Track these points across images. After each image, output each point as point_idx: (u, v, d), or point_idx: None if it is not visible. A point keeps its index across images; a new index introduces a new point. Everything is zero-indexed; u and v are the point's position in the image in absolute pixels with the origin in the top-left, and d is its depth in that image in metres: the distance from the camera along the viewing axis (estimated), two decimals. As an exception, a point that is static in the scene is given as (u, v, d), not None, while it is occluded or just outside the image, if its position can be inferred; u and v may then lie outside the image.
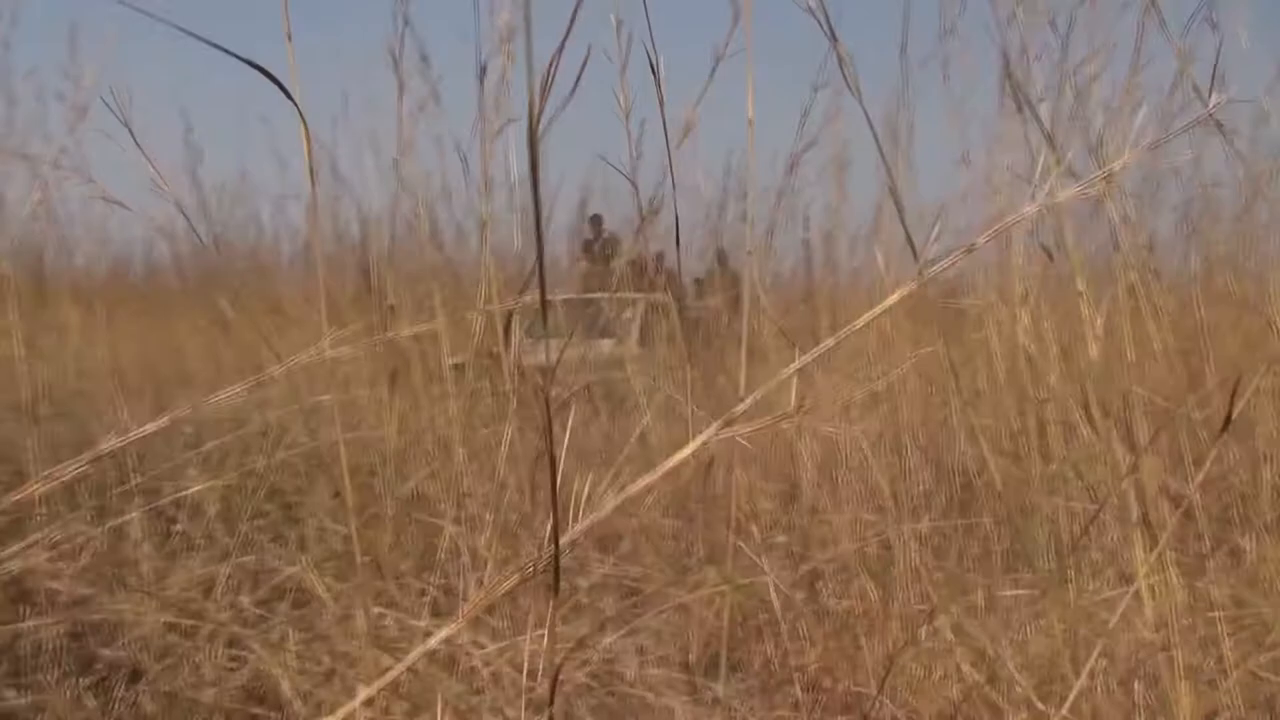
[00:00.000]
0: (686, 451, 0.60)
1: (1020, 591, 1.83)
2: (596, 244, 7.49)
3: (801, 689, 1.97)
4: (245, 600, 2.13)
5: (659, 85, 1.30)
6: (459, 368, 3.94)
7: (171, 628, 1.98)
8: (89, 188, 1.95)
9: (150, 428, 0.76)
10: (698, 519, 2.50)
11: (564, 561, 2.27)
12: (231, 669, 1.89)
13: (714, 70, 1.40)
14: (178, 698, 1.86)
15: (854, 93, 0.89)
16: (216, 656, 1.91)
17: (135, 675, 1.89)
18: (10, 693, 1.60)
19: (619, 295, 6.55)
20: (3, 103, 2.45)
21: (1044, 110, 1.35)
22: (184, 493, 2.02)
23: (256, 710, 1.80)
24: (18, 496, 0.75)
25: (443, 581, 2.11)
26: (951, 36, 1.81)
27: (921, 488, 2.38)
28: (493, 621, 2.02)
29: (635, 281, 6.42)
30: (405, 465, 2.43)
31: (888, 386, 2.83)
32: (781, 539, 2.29)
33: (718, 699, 1.86)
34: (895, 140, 2.67)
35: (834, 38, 0.91)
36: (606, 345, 5.73)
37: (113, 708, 1.78)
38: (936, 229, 0.64)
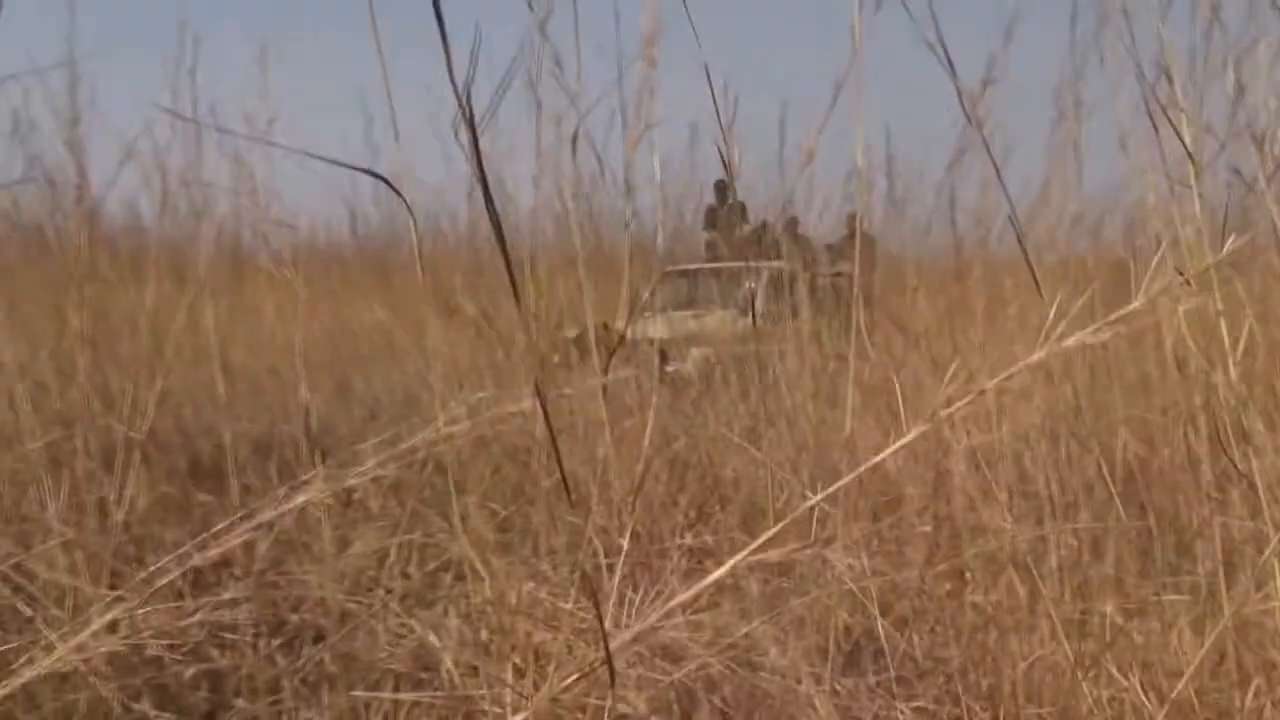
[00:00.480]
0: (715, 576, 0.64)
1: (1179, 597, 1.76)
2: (722, 211, 6.84)
3: (943, 683, 1.96)
4: (413, 572, 2.30)
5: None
6: (575, 341, 4.00)
7: (350, 595, 2.17)
8: (270, 207, 2.15)
9: (300, 500, 0.86)
10: (843, 504, 2.51)
11: (711, 542, 2.32)
12: (402, 636, 2.06)
13: (834, 102, 1.40)
14: (356, 660, 2.04)
15: (974, 125, 0.89)
16: (389, 624, 2.09)
17: (319, 638, 2.09)
18: (213, 652, 1.81)
19: (742, 265, 6.07)
20: (196, 129, 2.69)
21: (1192, 104, 1.27)
22: (359, 481, 2.19)
23: (423, 675, 1.96)
24: (216, 551, 0.86)
25: (592, 560, 2.21)
26: (1108, 23, 1.72)
27: (1079, 480, 2.29)
28: (633, 596, 2.11)
29: (760, 250, 5.89)
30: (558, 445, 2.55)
31: (1045, 369, 2.73)
32: (926, 528, 2.26)
33: (859, 689, 1.88)
34: (1069, 117, 2.56)
35: (954, 73, 0.91)
36: (725, 318, 5.43)
37: (299, 666, 1.98)
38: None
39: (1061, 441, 2.38)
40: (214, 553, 1.84)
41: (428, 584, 2.23)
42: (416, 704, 1.83)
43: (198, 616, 1.22)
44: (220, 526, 1.91)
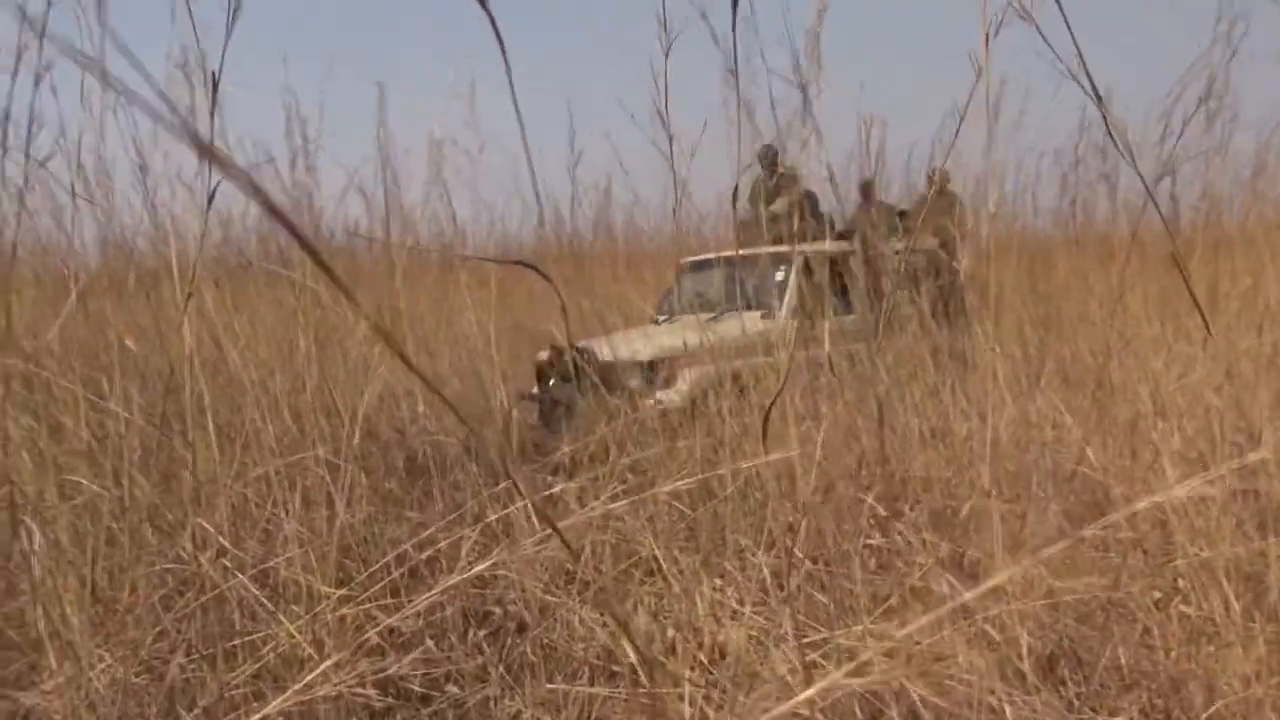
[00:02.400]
0: (807, 694, 0.65)
1: None
2: (769, 183, 5.27)
3: (1149, 698, 1.86)
4: (606, 568, 2.42)
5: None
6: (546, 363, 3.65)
7: (548, 589, 2.31)
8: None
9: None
10: (1041, 500, 2.40)
11: (899, 541, 2.29)
12: (595, 629, 2.18)
13: (956, 132, 1.36)
14: (554, 650, 2.17)
15: (1126, 157, 0.85)
16: (583, 617, 2.21)
17: (521, 628, 2.24)
18: (428, 642, 1.98)
19: (772, 250, 4.57)
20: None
21: None
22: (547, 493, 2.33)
23: (615, 669, 2.06)
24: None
25: (775, 560, 2.23)
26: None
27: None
28: (822, 597, 2.12)
29: (804, 227, 4.59)
30: (742, 447, 2.59)
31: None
32: (1128, 534, 2.14)
33: (1054, 701, 1.82)
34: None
35: (1099, 99, 0.88)
36: (749, 321, 4.00)
37: (504, 655, 2.13)
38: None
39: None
40: (428, 553, 2.02)
41: (620, 579, 2.33)
42: (610, 696, 1.93)
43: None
44: (434, 529, 2.09)
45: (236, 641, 1.66)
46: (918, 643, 1.90)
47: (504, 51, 0.92)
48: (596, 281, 5.23)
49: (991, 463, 2.44)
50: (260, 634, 1.65)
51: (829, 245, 4.59)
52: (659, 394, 3.88)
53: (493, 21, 0.80)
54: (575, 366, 3.51)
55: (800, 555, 2.07)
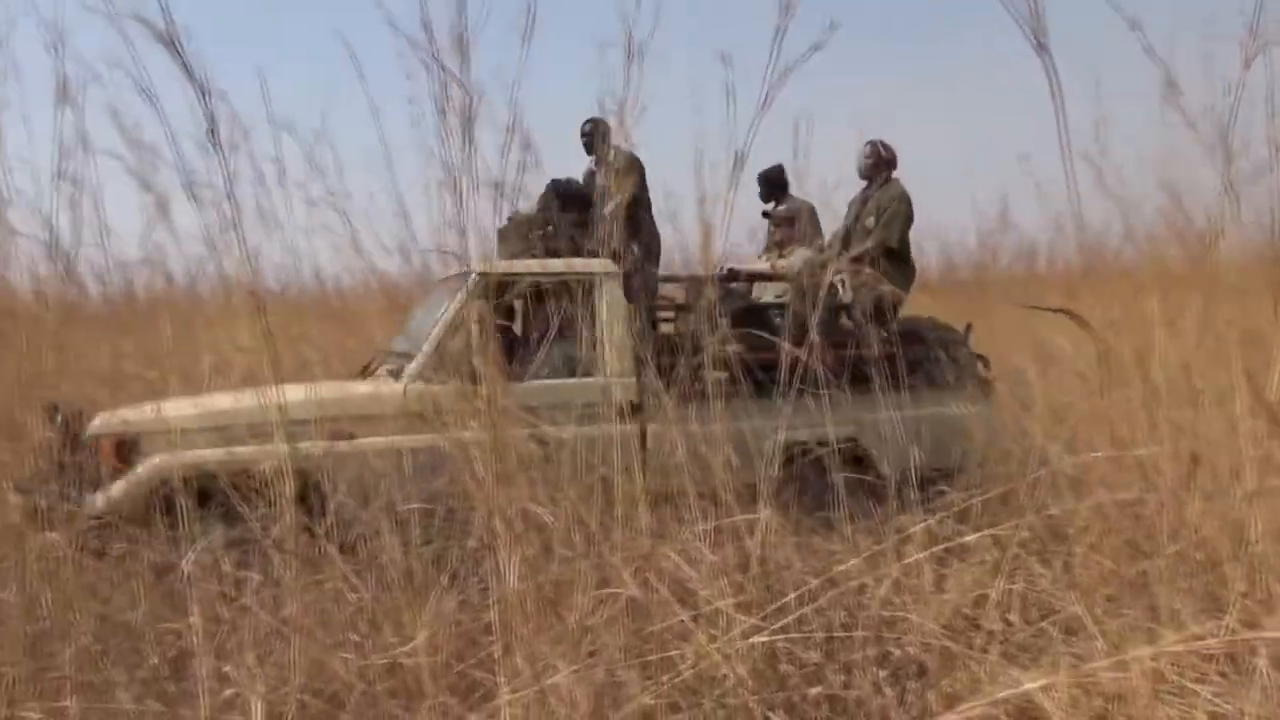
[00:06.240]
0: None
1: None
2: (600, 174, 3.99)
3: None
4: (1014, 619, 2.25)
5: None
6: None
7: (947, 633, 2.19)
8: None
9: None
10: None
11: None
12: (1005, 685, 2.02)
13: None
14: (958, 700, 2.05)
15: None
16: (988, 669, 2.06)
17: (921, 672, 2.14)
18: (830, 675, 1.97)
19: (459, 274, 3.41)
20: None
21: None
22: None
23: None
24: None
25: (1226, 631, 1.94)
26: None
27: None
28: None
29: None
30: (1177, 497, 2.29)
31: None
32: None
33: None
34: None
35: None
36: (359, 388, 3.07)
37: (903, 698, 2.05)
38: None
39: None
40: (832, 593, 2.01)
41: (1032, 634, 2.16)
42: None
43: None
44: (840, 569, 2.08)
45: (654, 657, 1.75)
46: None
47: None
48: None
49: None
50: (677, 651, 1.74)
51: (555, 264, 3.42)
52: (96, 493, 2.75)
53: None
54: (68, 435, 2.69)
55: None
